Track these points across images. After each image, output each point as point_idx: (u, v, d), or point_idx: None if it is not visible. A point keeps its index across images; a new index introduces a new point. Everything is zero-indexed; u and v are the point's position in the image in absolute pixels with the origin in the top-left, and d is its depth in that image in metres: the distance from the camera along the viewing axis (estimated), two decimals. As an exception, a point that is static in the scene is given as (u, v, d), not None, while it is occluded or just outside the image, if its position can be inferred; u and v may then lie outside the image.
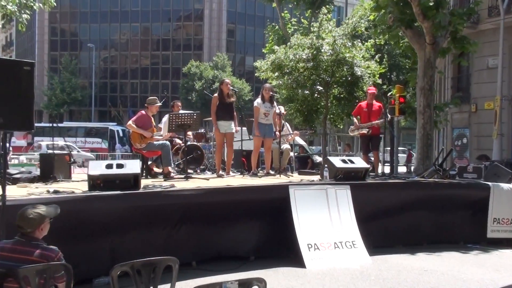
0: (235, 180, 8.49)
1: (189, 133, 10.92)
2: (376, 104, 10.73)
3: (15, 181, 7.39)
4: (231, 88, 9.52)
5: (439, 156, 12.00)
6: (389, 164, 20.33)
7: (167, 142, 9.20)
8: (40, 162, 8.92)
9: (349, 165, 8.23)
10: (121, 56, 61.84)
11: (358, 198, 7.59)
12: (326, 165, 8.33)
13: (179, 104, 11.32)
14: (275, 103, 9.89)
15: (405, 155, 33.59)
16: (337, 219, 7.29)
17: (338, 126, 22.08)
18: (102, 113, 58.49)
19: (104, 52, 61.74)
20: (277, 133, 9.94)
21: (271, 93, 9.74)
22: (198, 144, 11.07)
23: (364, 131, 10.52)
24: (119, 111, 52.91)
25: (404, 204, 8.27)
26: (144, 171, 9.27)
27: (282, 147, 10.43)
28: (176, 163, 10.28)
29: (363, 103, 10.96)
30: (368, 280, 6.18)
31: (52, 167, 7.98)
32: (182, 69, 52.86)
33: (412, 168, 17.34)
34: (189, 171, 9.75)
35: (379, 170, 10.81)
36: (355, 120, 11.08)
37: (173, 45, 60.31)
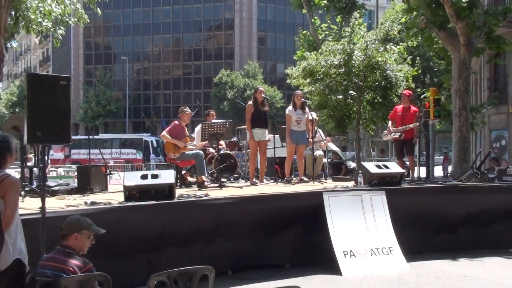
0: (269, 187, 8.50)
1: (222, 142, 10.99)
2: (412, 108, 10.57)
3: (54, 193, 7.56)
4: (264, 96, 9.55)
5: (477, 159, 11.74)
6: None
7: (201, 152, 9.28)
8: (78, 174, 9.10)
9: (384, 170, 8.14)
10: (153, 68, 62.73)
11: (394, 204, 7.49)
12: (360, 171, 8.27)
13: (214, 113, 11.42)
14: (307, 110, 9.88)
15: (441, 157, 33.03)
16: (372, 225, 7.22)
17: (370, 131, 21.86)
18: (136, 125, 59.38)
19: (137, 64, 62.74)
20: (310, 139, 9.92)
21: (303, 99, 9.74)
22: (231, 152, 11.12)
23: (396, 135, 10.37)
24: (152, 122, 53.59)
25: (442, 209, 8.12)
26: (179, 181, 9.35)
27: (315, 153, 10.39)
28: (209, 172, 10.35)
29: (399, 107, 10.81)
30: (406, 287, 6.09)
31: (89, 179, 8.14)
32: (214, 78, 53.24)
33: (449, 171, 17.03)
34: (223, 179, 9.79)
35: (415, 175, 10.64)
36: (388, 124, 10.95)
37: (205, 54, 60.86)
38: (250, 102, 9.54)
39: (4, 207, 3.64)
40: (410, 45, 20.16)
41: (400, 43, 20.50)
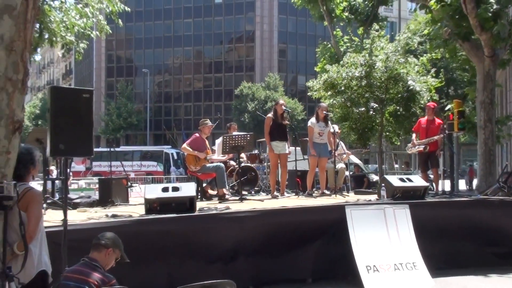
0: (290, 201, 8.48)
1: (243, 154, 11.00)
2: (437, 121, 10.47)
3: (75, 205, 7.64)
4: (284, 108, 9.55)
5: (503, 172, 11.55)
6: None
7: (221, 164, 9.29)
8: (99, 186, 9.19)
9: (408, 184, 8.08)
10: (174, 80, 63.28)
11: (417, 218, 7.41)
12: (383, 184, 8.20)
13: (235, 126, 11.45)
14: (329, 122, 9.86)
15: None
16: (396, 239, 7.13)
17: (395, 143, 21.68)
18: (157, 137, 59.85)
19: (158, 77, 63.37)
20: (332, 152, 9.88)
21: (326, 112, 9.72)
22: (252, 165, 11.12)
23: (421, 148, 10.28)
24: (173, 134, 53.99)
25: (467, 224, 8.00)
26: (199, 194, 9.38)
27: (337, 166, 10.34)
28: (230, 185, 10.36)
29: (423, 119, 10.73)
30: (431, 303, 5.98)
31: (110, 191, 8.20)
32: (235, 90, 53.45)
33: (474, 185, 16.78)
34: (244, 192, 9.79)
35: (439, 188, 10.51)
36: (413, 137, 10.86)
37: (225, 67, 61.23)
38: (270, 115, 9.56)
39: (28, 220, 3.68)
40: (434, 57, 20.03)
41: (423, 55, 20.38)
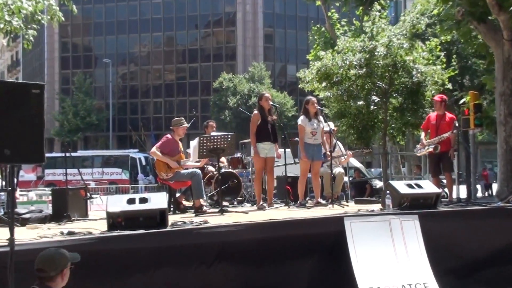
0: (279, 212, 8.48)
1: (223, 158, 10.97)
2: (448, 116, 10.54)
3: (24, 222, 7.56)
4: (271, 103, 9.56)
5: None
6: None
7: (198, 171, 9.27)
8: (52, 198, 9.11)
9: (417, 191, 8.12)
10: (141, 72, 63.12)
11: (429, 230, 7.44)
12: (388, 191, 8.24)
13: (214, 124, 11.43)
14: (322, 119, 9.88)
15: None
16: (404, 256, 7.16)
17: (399, 142, 21.80)
18: (122, 139, 59.60)
19: (122, 68, 63.18)
20: (328, 154, 9.90)
21: (318, 107, 9.75)
22: (234, 171, 11.11)
23: (431, 148, 10.31)
24: (141, 135, 53.73)
25: (486, 237, 8.06)
26: (172, 206, 9.35)
27: (334, 171, 10.36)
28: (208, 195, 10.34)
29: (432, 115, 10.77)
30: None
31: (65, 204, 8.14)
32: (213, 83, 53.44)
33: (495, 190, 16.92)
34: (225, 203, 9.77)
35: (454, 195, 10.60)
36: (421, 136, 10.91)
37: (202, 55, 61.19)
38: (256, 112, 9.55)
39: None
40: (443, 40, 20.17)
41: (432, 39, 20.49)
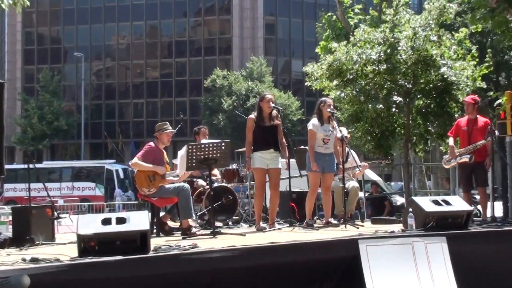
0: (282, 234, 8.50)
1: (216, 171, 10.97)
2: (482, 120, 10.54)
3: (-21, 246, 7.56)
4: (273, 106, 9.57)
5: None
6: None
7: (186, 185, 9.28)
8: (13, 218, 9.11)
9: (444, 208, 8.13)
10: (119, 68, 63.20)
11: (458, 255, 7.45)
12: (410, 209, 8.24)
13: (206, 130, 11.45)
14: (335, 125, 9.90)
15: None
16: (429, 285, 7.18)
17: (419, 154, 21.76)
18: (96, 148, 59.66)
19: (97, 63, 63.25)
20: (340, 165, 9.92)
21: (331, 110, 9.77)
22: (229, 185, 11.11)
23: (465, 158, 10.31)
24: (118, 143, 53.78)
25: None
26: (155, 227, 9.35)
27: (347, 185, 10.37)
28: (198, 214, 10.34)
29: (463, 120, 10.78)
30: None
31: (28, 225, 8.13)
32: (204, 81, 53.46)
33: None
34: (218, 224, 9.78)
35: (488, 214, 10.59)
36: (450, 142, 10.90)
37: (191, 49, 61.31)
38: (252, 116, 9.58)
39: None
40: (473, 30, 20.21)
41: (460, 30, 20.48)
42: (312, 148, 9.64)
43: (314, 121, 9.76)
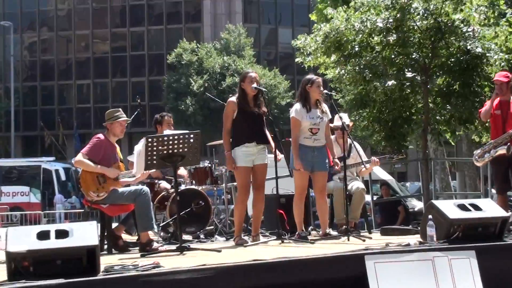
0: (268, 250, 8.55)
1: (183, 170, 10.98)
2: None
3: None
4: (258, 87, 9.51)
5: None
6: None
7: (145, 188, 9.27)
8: None
9: (473, 214, 8.15)
10: (59, 40, 62.95)
11: (491, 272, 7.49)
12: (430, 216, 8.27)
13: (170, 119, 11.41)
14: (327, 109, 9.87)
15: None
16: (455, 310, 7.22)
17: (451, 142, 21.86)
18: (30, 142, 59.45)
19: (30, 35, 63.03)
20: (337, 161, 9.91)
21: (324, 91, 9.74)
22: (200, 188, 11.11)
23: (502, 150, 10.30)
24: (58, 136, 53.57)
25: None
26: (106, 241, 9.34)
27: (350, 186, 10.41)
28: (161, 225, 10.33)
29: (495, 102, 10.83)
30: None
31: None
32: (167, 56, 53.35)
33: None
34: (186, 237, 9.77)
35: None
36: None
37: (150, 15, 61.18)
38: (233, 98, 9.54)
39: None
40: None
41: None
42: (296, 141, 9.61)
43: (297, 107, 9.73)
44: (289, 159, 10.02)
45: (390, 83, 16.68)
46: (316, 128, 9.64)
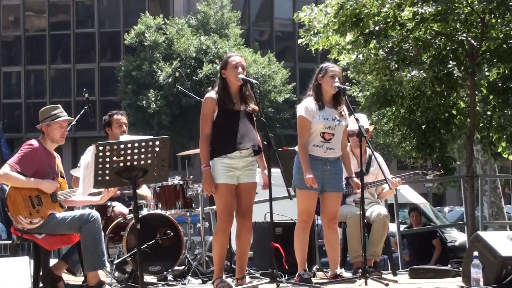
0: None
1: (144, 189, 11.02)
2: None
3: None
4: (243, 77, 9.50)
5: None
6: None
7: (94, 213, 9.29)
8: None
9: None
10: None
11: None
12: (476, 253, 8.33)
13: (124, 118, 11.41)
14: (345, 110, 9.90)
15: None
16: None
17: (504, 155, 21.94)
18: None
19: None
20: (355, 179, 9.95)
21: (339, 86, 9.71)
22: (168, 214, 11.14)
23: None
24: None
25: None
26: (43, 284, 9.35)
27: (369, 212, 10.45)
28: (115, 262, 10.35)
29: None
30: None
31: None
32: (125, 36, 53.39)
33: None
34: (148, 279, 9.80)
35: None
36: None
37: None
38: (211, 94, 9.48)
39: None
40: None
41: None
42: (305, 149, 9.59)
43: (308, 103, 9.72)
44: (289, 174, 9.99)
45: (420, 74, 16.60)
46: (329, 133, 9.64)
